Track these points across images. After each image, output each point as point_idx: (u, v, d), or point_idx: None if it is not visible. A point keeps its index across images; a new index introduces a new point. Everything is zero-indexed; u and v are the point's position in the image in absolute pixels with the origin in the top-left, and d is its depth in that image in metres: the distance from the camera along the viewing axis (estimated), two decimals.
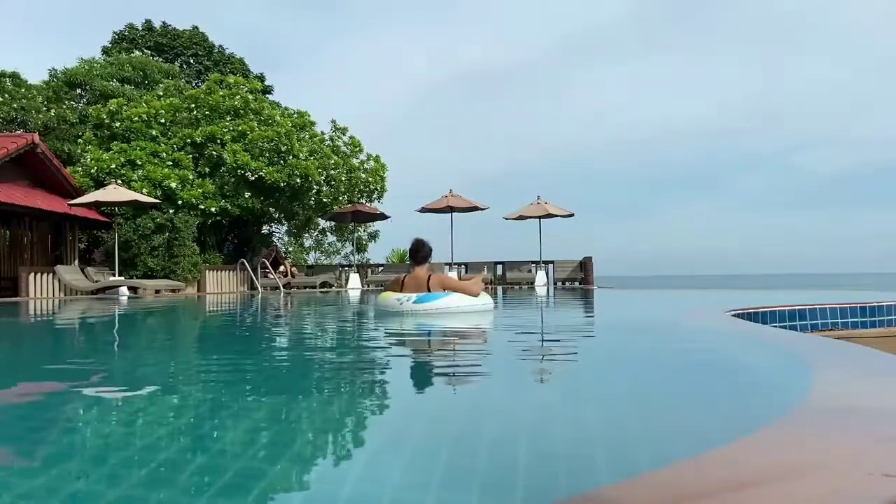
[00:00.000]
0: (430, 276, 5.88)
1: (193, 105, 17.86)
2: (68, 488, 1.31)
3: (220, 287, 16.62)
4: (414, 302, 5.58)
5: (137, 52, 24.56)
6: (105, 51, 26.36)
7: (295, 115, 19.12)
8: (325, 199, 18.20)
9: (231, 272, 17.12)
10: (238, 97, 18.08)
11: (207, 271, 16.27)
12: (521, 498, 1.18)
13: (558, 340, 4.25)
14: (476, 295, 5.84)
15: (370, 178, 19.50)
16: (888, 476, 1.04)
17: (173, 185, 16.15)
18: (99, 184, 15.72)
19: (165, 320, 7.42)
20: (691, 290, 13.37)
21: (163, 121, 17.51)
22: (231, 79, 19.36)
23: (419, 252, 5.99)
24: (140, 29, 27.32)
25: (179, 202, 16.26)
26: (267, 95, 23.77)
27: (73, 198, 14.69)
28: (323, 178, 17.82)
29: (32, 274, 13.42)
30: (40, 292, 13.43)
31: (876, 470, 1.07)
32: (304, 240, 25.35)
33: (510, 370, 2.86)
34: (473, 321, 5.32)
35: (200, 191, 16.55)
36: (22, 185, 14.98)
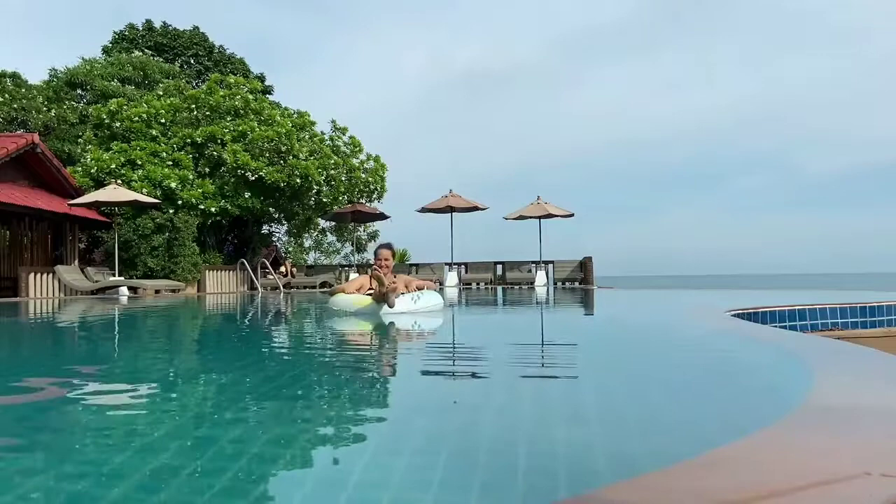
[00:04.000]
0: None
1: (194, 105, 17.86)
2: (66, 490, 1.31)
3: (220, 287, 16.62)
4: None
5: (138, 52, 24.54)
6: (105, 51, 26.35)
7: (295, 115, 19.11)
8: (325, 199, 18.20)
9: (231, 272, 17.12)
10: (238, 97, 18.07)
11: (207, 271, 16.26)
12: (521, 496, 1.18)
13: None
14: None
15: (370, 178, 19.50)
16: (888, 476, 1.04)
17: (173, 185, 16.15)
18: (99, 184, 15.72)
19: (165, 321, 7.41)
20: (691, 290, 13.36)
21: (163, 121, 17.50)
22: (231, 79, 19.34)
23: None
24: (140, 29, 27.31)
25: (179, 202, 16.26)
26: (267, 95, 23.74)
27: (74, 198, 14.69)
28: (323, 178, 17.81)
29: (32, 274, 13.41)
30: (40, 292, 13.42)
31: (876, 470, 1.07)
32: (304, 240, 25.37)
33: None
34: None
35: (200, 191, 16.55)
36: (22, 185, 14.98)
